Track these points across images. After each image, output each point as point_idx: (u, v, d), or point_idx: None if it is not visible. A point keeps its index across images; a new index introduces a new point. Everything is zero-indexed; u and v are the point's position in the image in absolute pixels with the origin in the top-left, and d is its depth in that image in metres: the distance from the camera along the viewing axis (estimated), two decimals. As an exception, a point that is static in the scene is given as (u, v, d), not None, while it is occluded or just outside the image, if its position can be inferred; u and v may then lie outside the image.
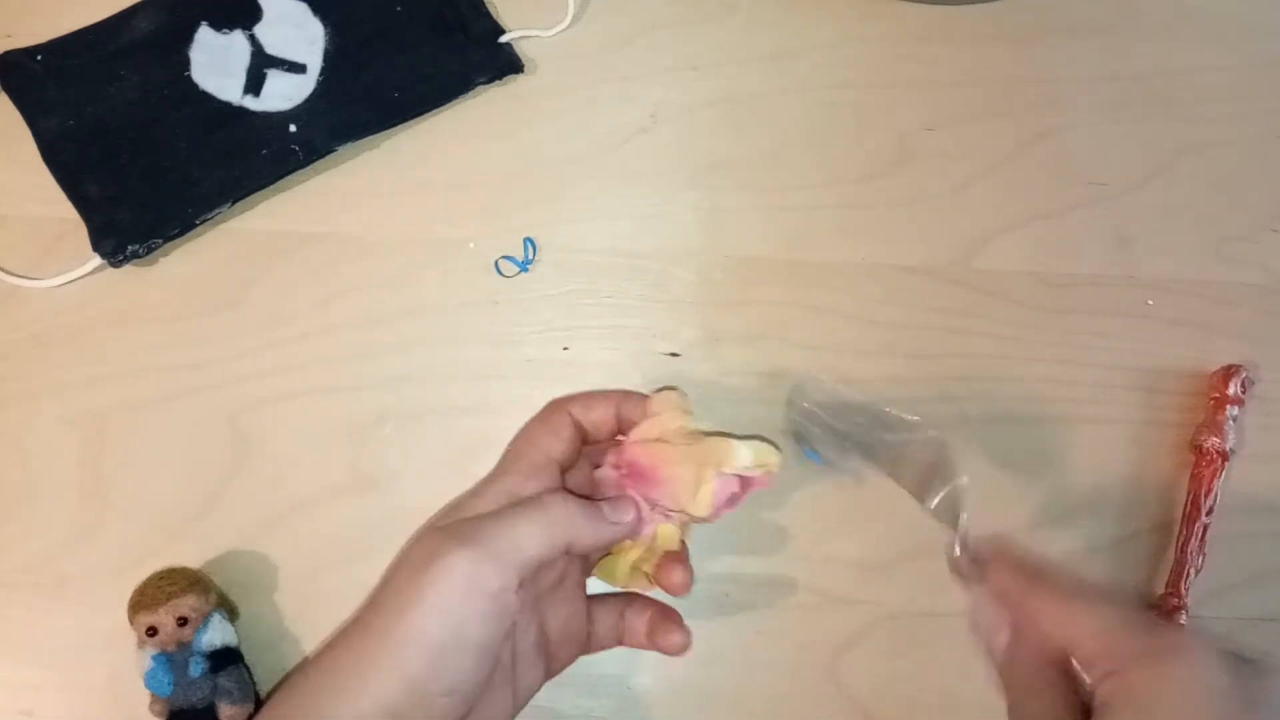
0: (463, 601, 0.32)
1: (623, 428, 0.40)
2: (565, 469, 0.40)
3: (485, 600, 0.33)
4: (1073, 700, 0.31)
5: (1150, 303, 0.48)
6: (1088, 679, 0.31)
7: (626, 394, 0.40)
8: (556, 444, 0.39)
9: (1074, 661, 0.32)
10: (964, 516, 0.37)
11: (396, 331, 0.47)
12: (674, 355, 0.47)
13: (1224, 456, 0.45)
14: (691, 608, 0.45)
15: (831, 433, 0.42)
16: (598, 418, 0.40)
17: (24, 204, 0.48)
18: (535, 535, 0.35)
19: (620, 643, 0.41)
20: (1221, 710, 0.28)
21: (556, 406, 0.40)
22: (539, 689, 0.39)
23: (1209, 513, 0.44)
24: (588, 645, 0.41)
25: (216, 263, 0.48)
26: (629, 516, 0.38)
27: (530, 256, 0.48)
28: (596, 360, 0.47)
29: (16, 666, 0.45)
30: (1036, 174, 0.49)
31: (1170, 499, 0.46)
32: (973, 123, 0.49)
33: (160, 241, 0.47)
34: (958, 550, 0.37)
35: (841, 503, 0.46)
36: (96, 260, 0.47)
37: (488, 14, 0.50)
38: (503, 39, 0.50)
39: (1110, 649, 0.30)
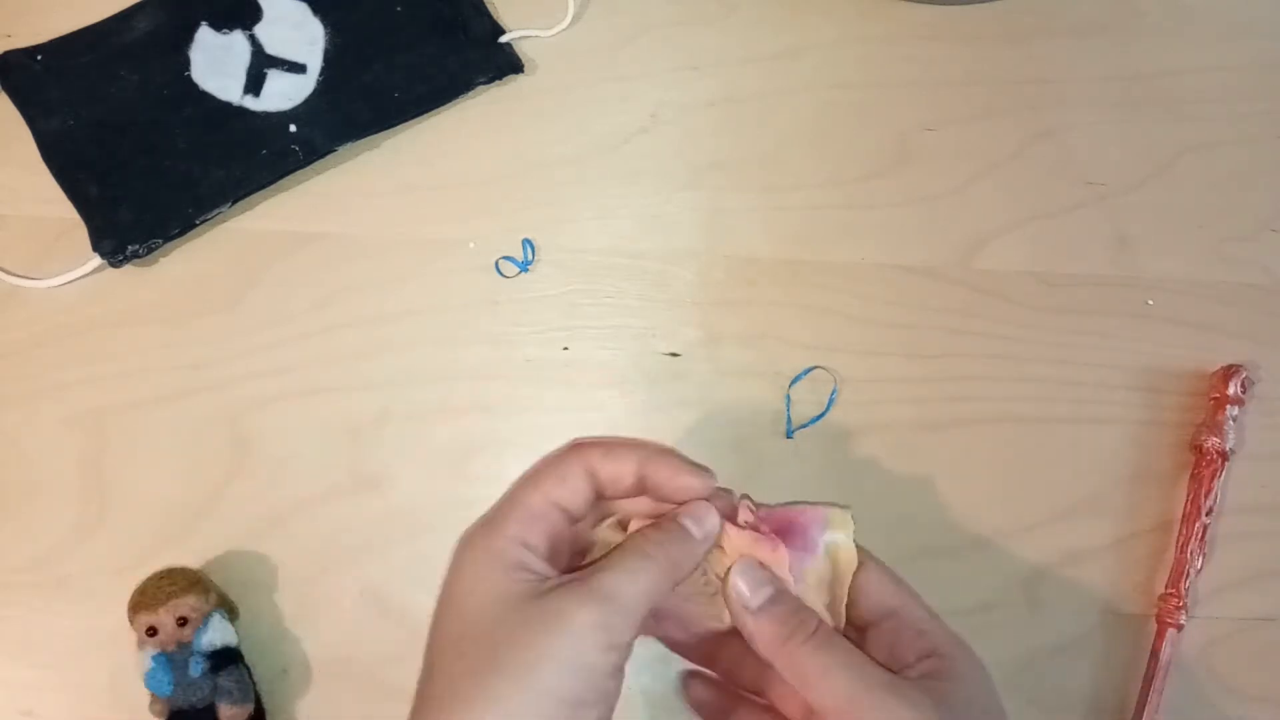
0: (599, 656, 0.31)
1: (646, 489, 0.35)
2: (575, 521, 0.35)
3: (617, 654, 0.32)
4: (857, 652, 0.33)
5: (1150, 303, 0.48)
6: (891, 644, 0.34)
7: (659, 452, 0.35)
8: (564, 493, 0.34)
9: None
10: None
11: (396, 331, 0.47)
12: (674, 355, 0.47)
13: (1224, 456, 0.45)
14: (691, 608, 0.45)
15: None
16: (617, 471, 0.35)
17: (24, 204, 0.48)
18: (652, 580, 0.33)
19: None
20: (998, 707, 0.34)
21: (572, 452, 0.35)
22: None
23: (1209, 513, 0.44)
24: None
25: (216, 263, 0.48)
26: (712, 522, 0.35)
27: (530, 257, 0.48)
28: (596, 360, 0.47)
29: (16, 666, 0.45)
30: (1036, 174, 0.49)
31: (1170, 499, 0.46)
32: (973, 123, 0.49)
33: (160, 241, 0.47)
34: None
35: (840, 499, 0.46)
36: (96, 260, 0.47)
37: (488, 14, 0.50)
38: (503, 39, 0.50)
39: (930, 636, 0.34)
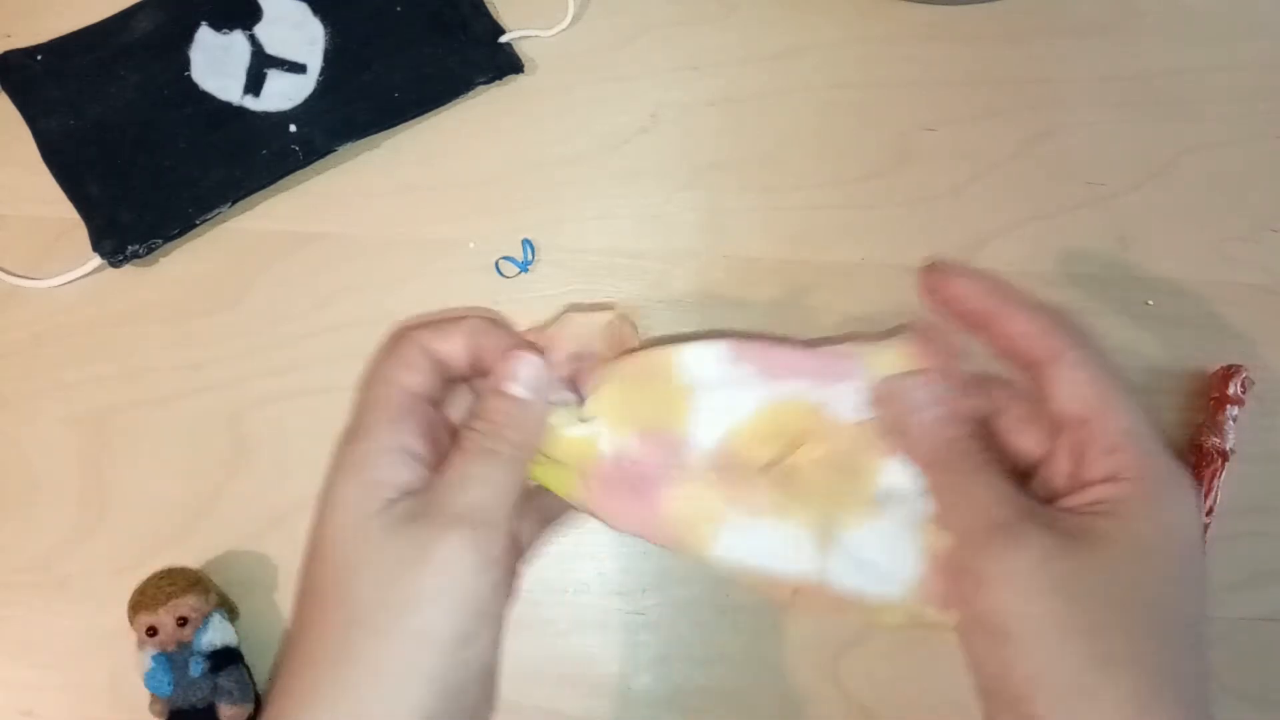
0: (473, 579, 0.28)
1: (478, 367, 0.33)
2: (438, 405, 0.33)
3: (495, 569, 0.29)
4: (1008, 480, 0.29)
5: (1150, 303, 0.48)
6: (1062, 461, 0.29)
7: (486, 324, 0.32)
8: (418, 379, 0.32)
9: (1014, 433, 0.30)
10: None
11: (391, 332, 0.47)
12: (674, 355, 0.47)
13: (1224, 456, 0.45)
14: (691, 608, 0.45)
15: None
16: (452, 350, 0.32)
17: (24, 204, 0.48)
18: (506, 475, 0.30)
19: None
20: (1196, 564, 0.28)
21: (404, 337, 0.33)
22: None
23: (1209, 513, 0.44)
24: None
25: (216, 263, 0.48)
26: (532, 369, 0.31)
27: (529, 257, 0.48)
28: (596, 360, 0.47)
29: (16, 666, 0.45)
30: (1036, 174, 0.49)
31: (1170, 499, 0.46)
32: (973, 123, 0.49)
33: (160, 241, 0.47)
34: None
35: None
36: (96, 260, 0.47)
37: (488, 14, 0.50)
38: (503, 39, 0.50)
39: (1119, 450, 0.28)
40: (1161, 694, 0.26)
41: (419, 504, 0.30)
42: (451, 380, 0.33)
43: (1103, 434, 0.28)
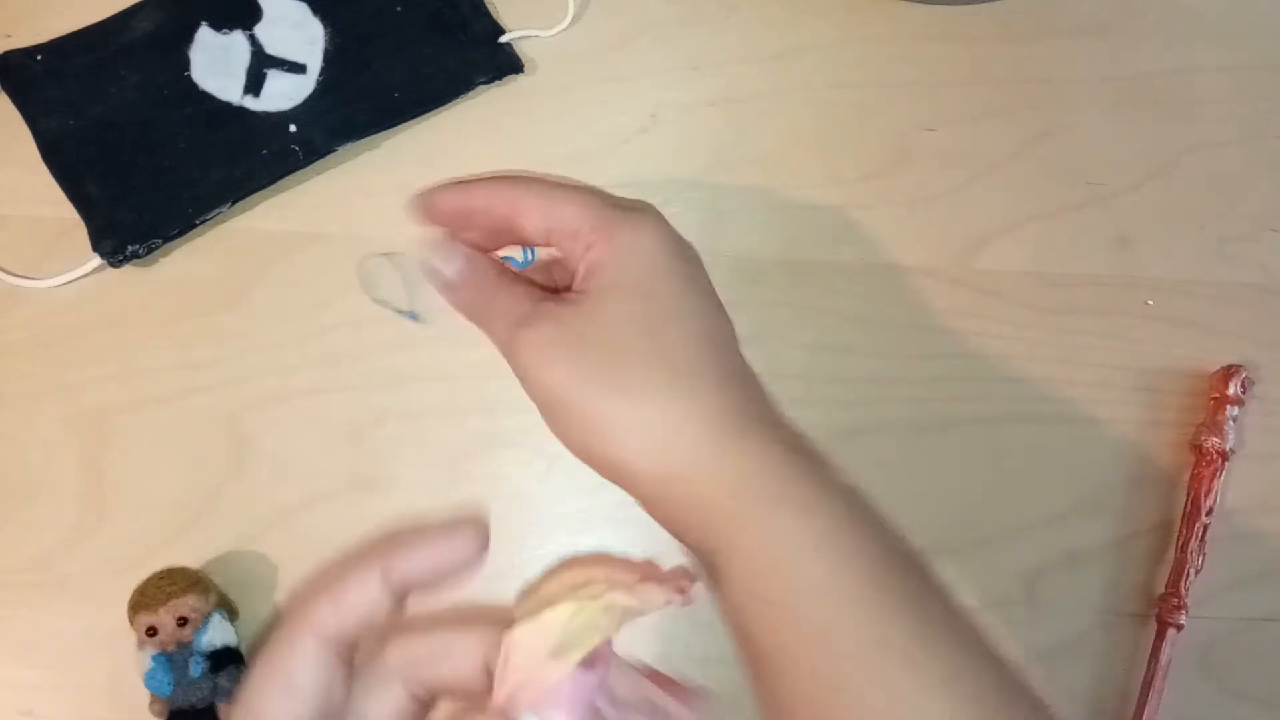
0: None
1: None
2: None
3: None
4: (526, 286, 0.34)
5: (1150, 303, 0.48)
6: (571, 262, 0.33)
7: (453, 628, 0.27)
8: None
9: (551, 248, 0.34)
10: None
11: (396, 331, 0.47)
12: (674, 355, 0.47)
13: (1224, 456, 0.45)
14: (691, 608, 0.45)
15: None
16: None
17: (24, 204, 0.48)
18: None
19: None
20: (673, 274, 0.32)
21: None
22: None
23: (1209, 513, 0.44)
24: None
25: (216, 263, 0.48)
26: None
27: (529, 257, 0.48)
28: (596, 360, 0.47)
29: (16, 666, 0.45)
30: (1036, 174, 0.49)
31: (1170, 499, 0.46)
32: (973, 123, 0.49)
33: (160, 241, 0.47)
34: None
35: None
36: (96, 260, 0.47)
37: (488, 14, 0.50)
38: (503, 39, 0.50)
39: (581, 227, 0.32)
40: (681, 393, 0.30)
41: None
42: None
43: (560, 225, 0.32)
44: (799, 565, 0.29)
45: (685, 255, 0.32)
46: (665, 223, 0.32)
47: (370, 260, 0.45)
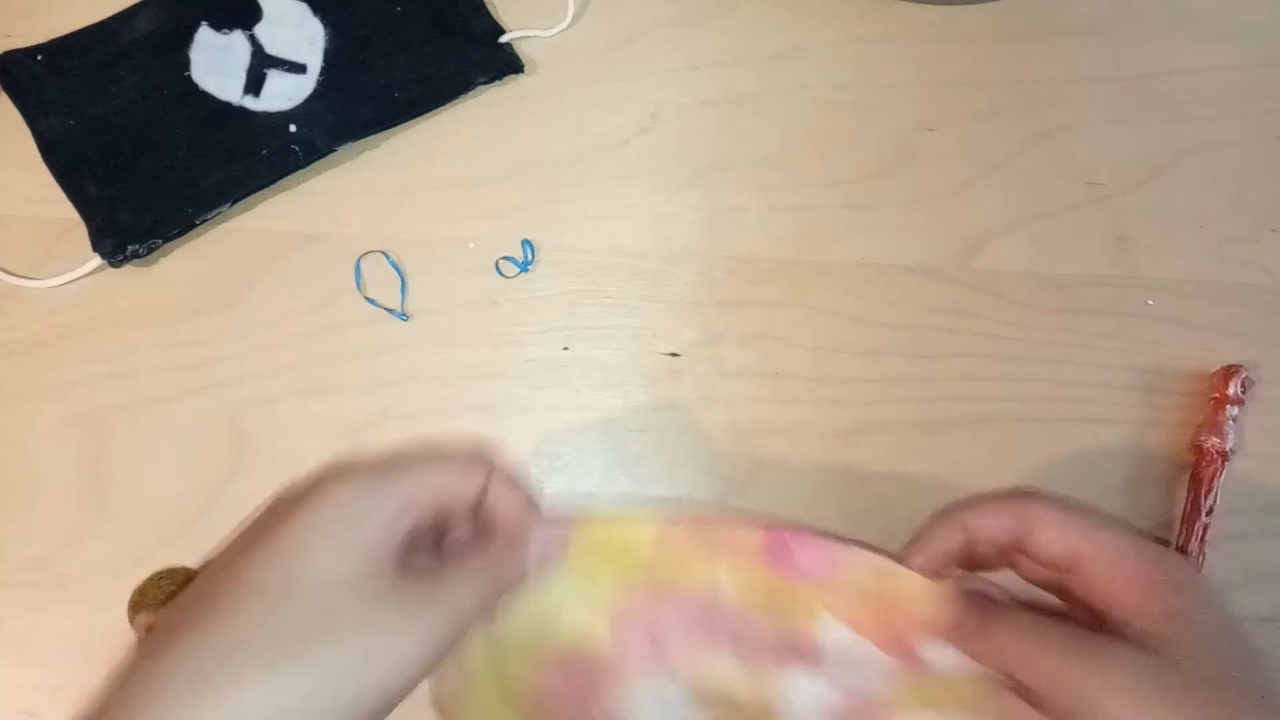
0: (430, 669, 0.30)
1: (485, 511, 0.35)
2: (441, 532, 0.35)
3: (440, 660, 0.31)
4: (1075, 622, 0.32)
5: (1150, 303, 0.48)
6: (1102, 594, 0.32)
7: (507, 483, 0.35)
8: (457, 496, 0.34)
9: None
10: None
11: (397, 331, 0.47)
12: (674, 355, 0.47)
13: (1224, 456, 0.45)
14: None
15: None
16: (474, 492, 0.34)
17: (24, 204, 0.48)
18: (485, 608, 0.33)
19: None
20: (1225, 646, 0.30)
21: (479, 462, 0.34)
22: None
23: (1209, 513, 0.44)
24: None
25: (216, 263, 0.48)
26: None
27: (530, 257, 0.48)
28: (596, 360, 0.47)
29: (16, 666, 0.45)
30: (1036, 174, 0.49)
31: (1170, 499, 0.46)
32: (973, 123, 0.49)
33: (160, 241, 0.47)
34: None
35: (840, 500, 0.46)
36: (96, 260, 0.47)
37: (488, 14, 0.50)
38: (503, 39, 0.50)
39: (1124, 585, 0.31)
40: None
41: (418, 581, 0.31)
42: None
43: (1101, 567, 0.32)
44: None
45: (1240, 639, 0.32)
46: (1216, 598, 0.32)
47: (363, 259, 0.45)
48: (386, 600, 0.30)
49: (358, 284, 0.48)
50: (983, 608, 0.33)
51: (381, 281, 0.48)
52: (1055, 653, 0.30)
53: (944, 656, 0.33)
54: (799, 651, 0.35)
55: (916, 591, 0.34)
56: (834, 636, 0.35)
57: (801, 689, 0.35)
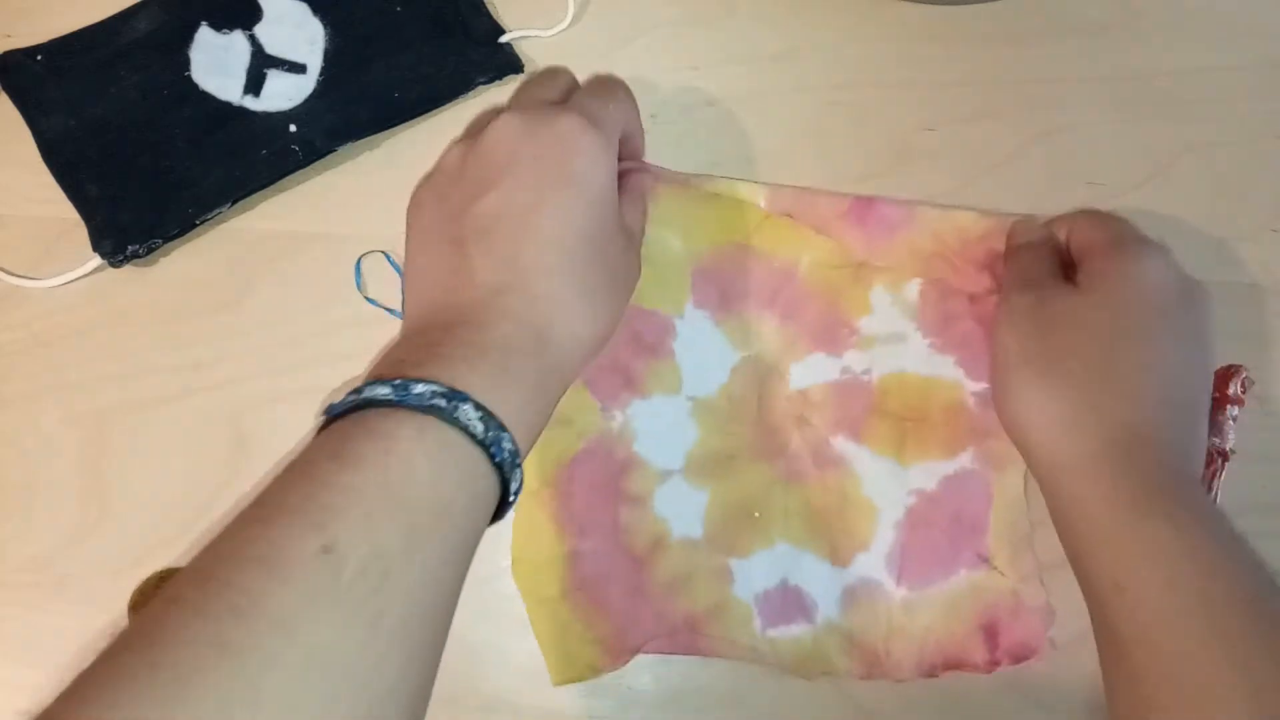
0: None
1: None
2: None
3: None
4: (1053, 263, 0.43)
5: (1150, 303, 0.48)
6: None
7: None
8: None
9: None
10: None
11: (396, 331, 0.47)
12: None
13: (1224, 456, 0.45)
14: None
15: None
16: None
17: (24, 204, 0.48)
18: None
19: None
20: (1164, 294, 0.40)
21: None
22: None
23: (1209, 513, 0.44)
24: None
25: (216, 263, 0.48)
26: None
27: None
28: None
29: (16, 666, 0.45)
30: (1036, 174, 0.49)
31: (1170, 499, 0.46)
32: (973, 123, 0.49)
33: (160, 241, 0.47)
34: None
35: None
36: (96, 260, 0.47)
37: (488, 14, 0.50)
38: (503, 39, 0.50)
39: (1093, 240, 0.42)
40: (1091, 406, 0.37)
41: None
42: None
43: (1086, 237, 0.43)
44: (1154, 565, 0.34)
45: (1170, 301, 0.40)
46: (1167, 268, 0.40)
47: (364, 259, 0.45)
48: (632, 248, 0.41)
49: (358, 284, 0.48)
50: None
51: (382, 281, 0.48)
52: (1015, 271, 0.43)
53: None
54: (834, 339, 0.46)
55: (970, 225, 0.46)
56: (877, 315, 0.46)
57: (814, 364, 0.46)
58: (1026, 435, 0.39)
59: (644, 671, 0.45)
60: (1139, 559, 0.34)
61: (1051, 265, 0.42)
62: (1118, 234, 0.41)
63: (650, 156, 0.49)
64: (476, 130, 0.40)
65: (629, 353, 0.45)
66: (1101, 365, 0.38)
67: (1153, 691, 0.33)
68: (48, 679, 0.44)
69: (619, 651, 0.44)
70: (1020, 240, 0.44)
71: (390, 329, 0.47)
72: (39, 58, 0.49)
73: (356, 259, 0.48)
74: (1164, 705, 0.32)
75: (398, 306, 0.47)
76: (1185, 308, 0.40)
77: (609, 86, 0.42)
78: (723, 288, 0.46)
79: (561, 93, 0.42)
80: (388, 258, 0.48)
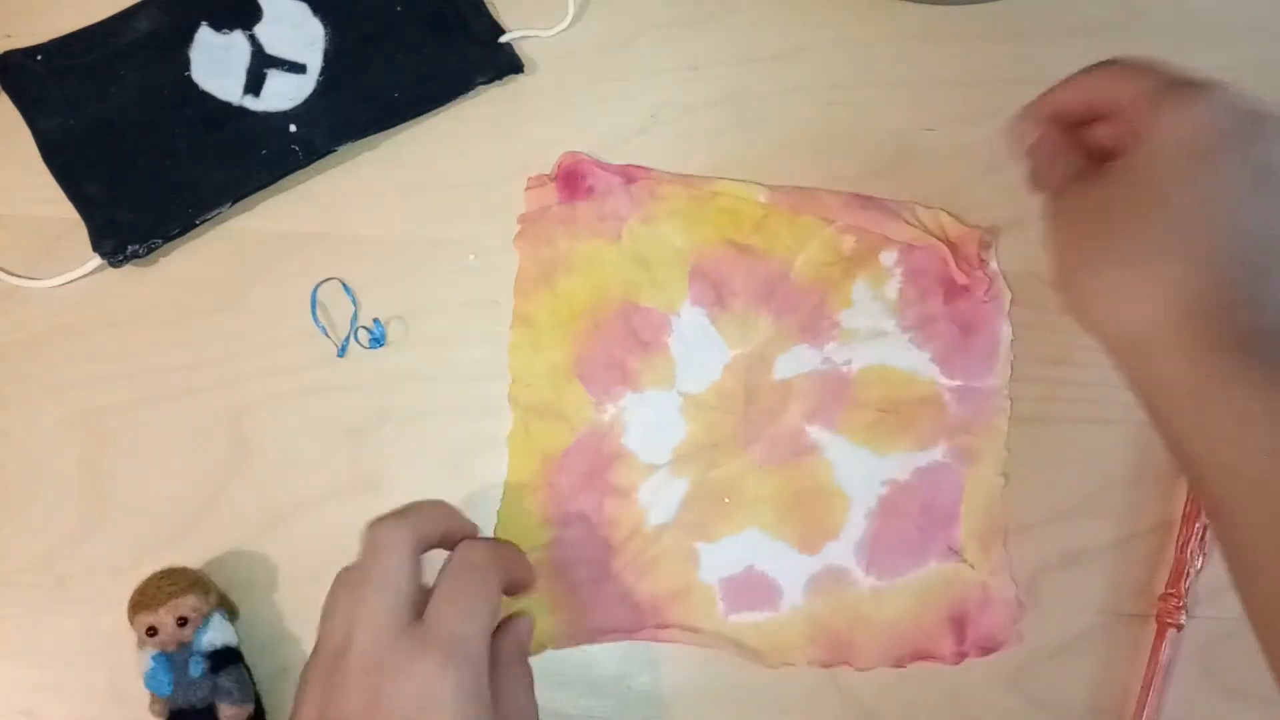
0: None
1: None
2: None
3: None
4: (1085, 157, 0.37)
5: (1150, 303, 0.48)
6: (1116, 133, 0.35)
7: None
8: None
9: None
10: None
11: (397, 331, 0.47)
12: (674, 355, 0.47)
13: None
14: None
15: None
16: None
17: (24, 204, 0.48)
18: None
19: None
20: (1215, 134, 0.34)
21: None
22: None
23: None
24: None
25: (216, 263, 0.48)
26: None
27: (530, 256, 0.48)
28: (596, 360, 0.47)
29: (16, 666, 0.45)
30: (1036, 174, 0.49)
31: (1170, 499, 0.46)
32: (973, 123, 0.49)
33: (160, 241, 0.47)
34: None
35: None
36: (96, 260, 0.47)
37: (488, 14, 0.50)
38: (503, 39, 0.49)
39: (1134, 101, 0.34)
40: (1154, 278, 0.32)
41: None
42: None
43: (1125, 101, 0.35)
44: (1248, 434, 0.30)
45: (1229, 137, 0.34)
46: (1217, 104, 0.34)
47: (323, 285, 0.44)
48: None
49: (314, 314, 0.47)
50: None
51: (383, 282, 0.48)
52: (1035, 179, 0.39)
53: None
54: (816, 331, 0.46)
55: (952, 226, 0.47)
56: (858, 308, 0.46)
57: (798, 355, 0.46)
58: (1104, 331, 0.35)
59: (644, 671, 0.45)
60: (1235, 435, 0.31)
61: (1066, 157, 0.38)
62: (1151, 86, 0.35)
63: (650, 157, 0.49)
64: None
65: (624, 349, 0.46)
66: (1160, 231, 0.32)
67: None
68: (47, 679, 0.44)
69: (575, 633, 0.44)
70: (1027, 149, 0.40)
71: (390, 330, 0.47)
72: (39, 58, 0.49)
73: (314, 286, 0.47)
74: None
75: (341, 335, 0.46)
76: (1249, 141, 0.34)
77: (465, 574, 0.37)
78: (720, 286, 0.46)
79: (411, 584, 0.36)
80: (344, 286, 0.47)
